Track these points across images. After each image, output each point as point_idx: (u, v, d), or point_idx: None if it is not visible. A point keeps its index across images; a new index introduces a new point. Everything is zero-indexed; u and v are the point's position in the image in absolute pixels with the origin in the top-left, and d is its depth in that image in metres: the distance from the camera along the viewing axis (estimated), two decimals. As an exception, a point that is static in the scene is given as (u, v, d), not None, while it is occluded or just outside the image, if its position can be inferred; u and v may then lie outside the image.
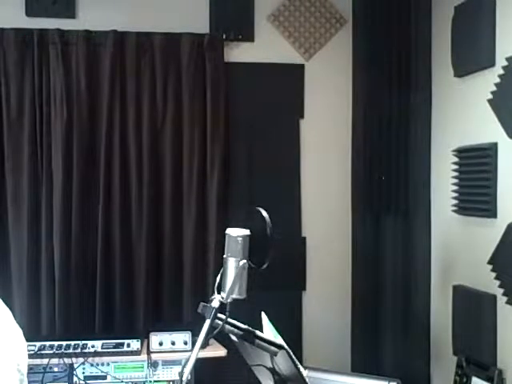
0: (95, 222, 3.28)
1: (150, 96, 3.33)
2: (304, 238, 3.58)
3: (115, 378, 2.96)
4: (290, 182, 3.56)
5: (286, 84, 3.52)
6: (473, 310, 2.86)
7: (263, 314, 2.24)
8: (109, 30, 3.27)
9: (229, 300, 1.89)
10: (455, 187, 3.02)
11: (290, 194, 3.56)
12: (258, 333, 1.94)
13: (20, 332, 1.01)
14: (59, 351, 2.92)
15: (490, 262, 2.70)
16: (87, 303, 3.26)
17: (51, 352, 2.90)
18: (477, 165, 2.85)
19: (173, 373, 2.99)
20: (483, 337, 2.77)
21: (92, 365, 2.94)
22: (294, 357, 1.87)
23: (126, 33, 3.30)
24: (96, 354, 2.94)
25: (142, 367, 2.99)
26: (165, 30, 3.35)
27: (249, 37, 3.49)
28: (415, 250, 3.40)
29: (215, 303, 1.88)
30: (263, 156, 3.50)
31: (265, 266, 2.01)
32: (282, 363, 1.90)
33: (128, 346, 3.00)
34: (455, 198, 3.03)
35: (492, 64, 2.74)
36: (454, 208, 3.03)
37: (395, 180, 3.42)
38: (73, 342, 2.97)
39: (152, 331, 3.05)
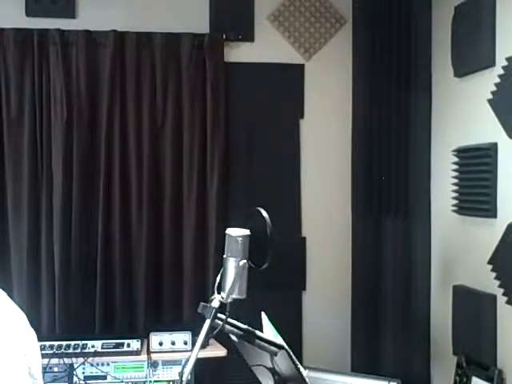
0: (95, 222, 3.28)
1: (149, 96, 3.33)
2: (304, 238, 3.58)
3: (115, 378, 2.96)
4: (289, 182, 3.55)
5: (285, 84, 3.52)
6: (473, 309, 2.86)
7: (263, 314, 2.24)
8: (109, 30, 3.27)
9: (229, 300, 1.90)
10: (455, 187, 3.02)
11: (290, 194, 3.55)
12: (258, 333, 1.94)
13: (34, 336, 1.01)
14: (59, 351, 2.92)
15: (490, 262, 2.70)
16: (87, 303, 3.26)
17: (51, 352, 2.90)
18: (477, 165, 2.85)
19: (173, 373, 2.99)
20: (483, 337, 2.77)
21: (92, 365, 2.94)
22: (293, 357, 1.87)
23: (126, 33, 3.30)
24: (96, 353, 2.94)
25: (142, 367, 2.99)
26: (165, 30, 3.34)
27: (249, 37, 3.49)
28: (415, 250, 3.40)
29: (215, 303, 1.88)
30: (263, 156, 3.49)
31: (265, 266, 2.01)
32: (282, 363, 1.90)
33: (128, 345, 3.00)
34: (455, 198, 3.02)
35: (492, 64, 2.74)
36: (454, 208, 3.03)
37: (395, 180, 3.41)
38: (73, 342, 2.97)
39: (152, 331, 3.05)
